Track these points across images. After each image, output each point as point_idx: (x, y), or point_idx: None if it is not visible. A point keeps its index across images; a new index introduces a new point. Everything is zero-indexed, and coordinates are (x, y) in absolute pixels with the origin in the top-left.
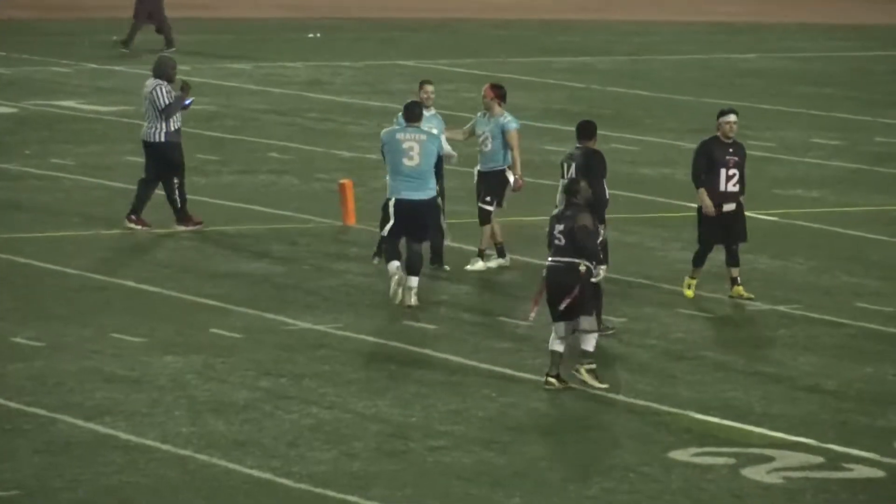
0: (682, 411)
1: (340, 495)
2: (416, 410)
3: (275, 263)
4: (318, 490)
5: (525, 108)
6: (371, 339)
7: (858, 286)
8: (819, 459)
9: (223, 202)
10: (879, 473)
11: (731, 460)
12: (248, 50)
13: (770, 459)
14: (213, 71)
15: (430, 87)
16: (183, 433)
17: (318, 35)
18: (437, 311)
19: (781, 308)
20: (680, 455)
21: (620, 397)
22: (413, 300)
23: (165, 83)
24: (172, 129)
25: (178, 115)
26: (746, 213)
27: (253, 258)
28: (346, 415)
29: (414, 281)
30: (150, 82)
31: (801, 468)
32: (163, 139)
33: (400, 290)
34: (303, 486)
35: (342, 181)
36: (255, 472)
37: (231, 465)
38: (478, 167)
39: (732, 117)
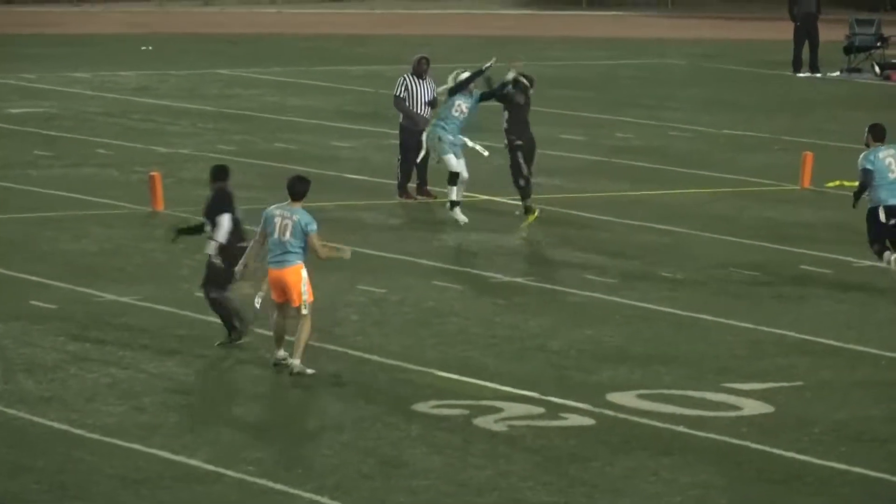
0: (425, 369)
1: (126, 444)
2: (199, 369)
3: (90, 244)
4: (107, 439)
5: (320, 109)
6: (167, 308)
7: (587, 260)
8: (540, 410)
9: (52, 191)
10: (590, 422)
11: (465, 411)
12: (88, 61)
13: (499, 410)
14: (57, 79)
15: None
16: None
17: (150, 48)
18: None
19: (520, 280)
20: (421, 407)
21: (374, 357)
22: None
23: None
24: None
25: None
26: (497, 198)
27: (72, 240)
28: (139, 374)
29: None
30: None
31: (524, 417)
32: None
33: None
34: (95, 435)
35: (152, 173)
36: (55, 424)
37: (35, 418)
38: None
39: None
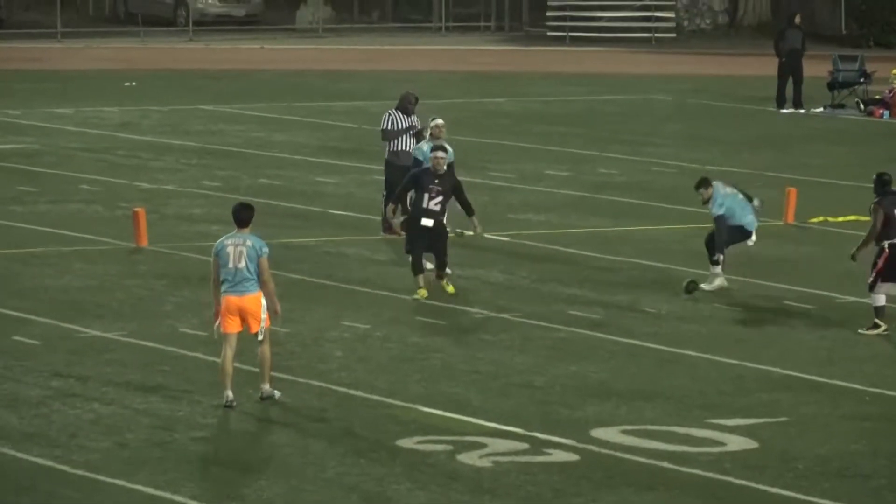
0: (410, 405)
1: (111, 479)
2: (184, 406)
3: (74, 279)
4: (91, 475)
5: (305, 145)
6: (151, 344)
7: (571, 296)
8: (525, 445)
9: (36, 227)
10: (574, 457)
11: (449, 447)
12: (71, 97)
13: (483, 446)
14: (40, 115)
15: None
16: None
17: (134, 84)
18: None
19: (504, 315)
20: (405, 443)
21: (358, 393)
22: None
23: None
24: None
25: None
26: (483, 234)
27: (56, 275)
28: (124, 410)
29: None
30: None
31: (509, 453)
32: None
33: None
34: (79, 471)
35: (136, 209)
36: (39, 460)
37: (19, 454)
38: None
39: (440, 153)
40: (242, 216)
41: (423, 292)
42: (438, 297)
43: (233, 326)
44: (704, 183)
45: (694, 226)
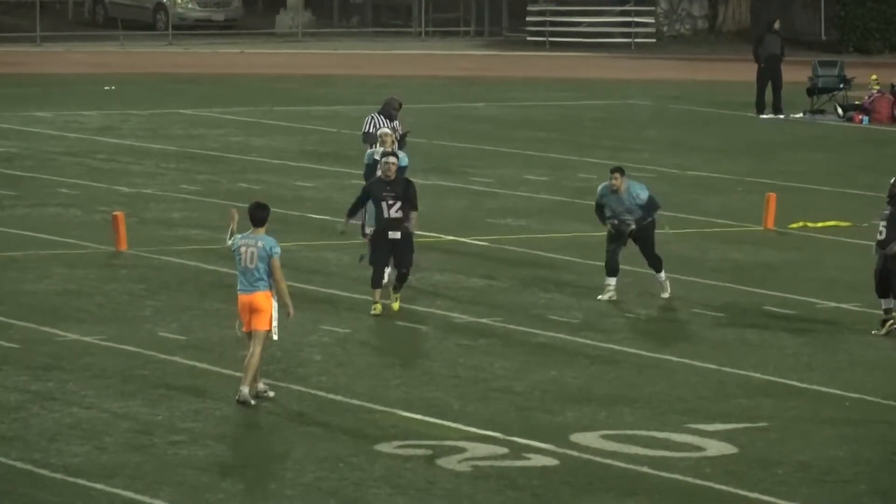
0: (390, 409)
1: (89, 483)
2: (162, 410)
3: (53, 283)
4: (71, 479)
5: (283, 149)
6: (129, 348)
7: (551, 301)
8: (504, 450)
9: (16, 231)
10: (554, 462)
11: (429, 451)
12: (51, 100)
13: (462, 451)
14: (19, 118)
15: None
16: None
17: (113, 88)
18: (189, 322)
19: (484, 320)
20: (384, 447)
21: (339, 398)
22: None
23: None
24: None
25: None
26: (463, 240)
27: (35, 279)
28: (102, 414)
29: None
30: None
31: (488, 458)
32: None
33: None
34: (58, 475)
35: (115, 213)
36: (18, 464)
37: None
38: None
39: (392, 158)
40: (257, 216)
41: (378, 307)
42: (418, 302)
43: (246, 325)
44: (621, 170)
45: (674, 231)
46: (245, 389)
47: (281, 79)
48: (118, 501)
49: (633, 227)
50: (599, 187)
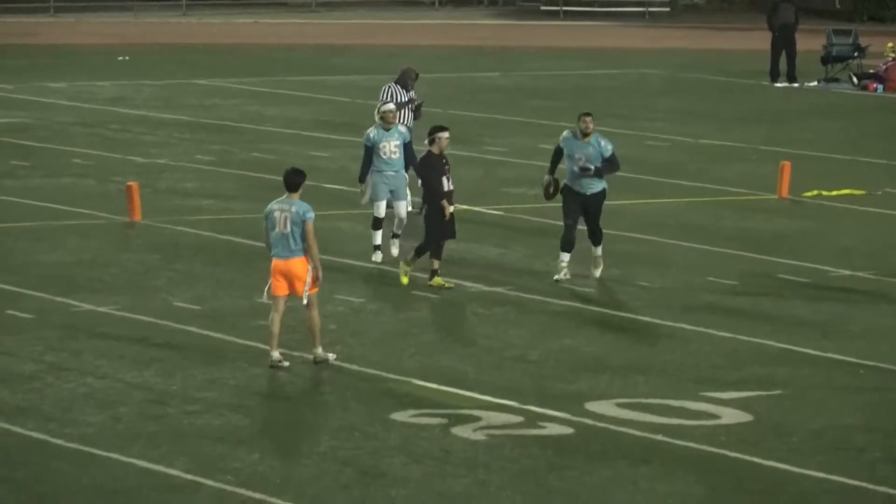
0: (404, 378)
1: (105, 453)
2: (177, 379)
3: (67, 254)
4: (85, 449)
5: (297, 119)
6: (144, 318)
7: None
8: (519, 419)
9: (29, 201)
10: (569, 430)
11: (444, 420)
12: (64, 71)
13: (477, 419)
14: (33, 89)
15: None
16: None
17: (127, 58)
18: (203, 291)
19: (499, 289)
20: (400, 416)
21: (354, 367)
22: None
23: None
24: None
25: None
26: (478, 209)
27: (49, 250)
28: (117, 384)
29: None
30: None
31: (503, 426)
32: None
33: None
34: (73, 445)
35: (129, 183)
36: (33, 434)
37: (13, 428)
38: None
39: (446, 133)
40: (292, 181)
41: (441, 280)
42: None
43: (280, 289)
44: (590, 115)
45: (688, 200)
46: (319, 350)
47: (295, 48)
48: (133, 471)
49: (592, 171)
50: (564, 132)
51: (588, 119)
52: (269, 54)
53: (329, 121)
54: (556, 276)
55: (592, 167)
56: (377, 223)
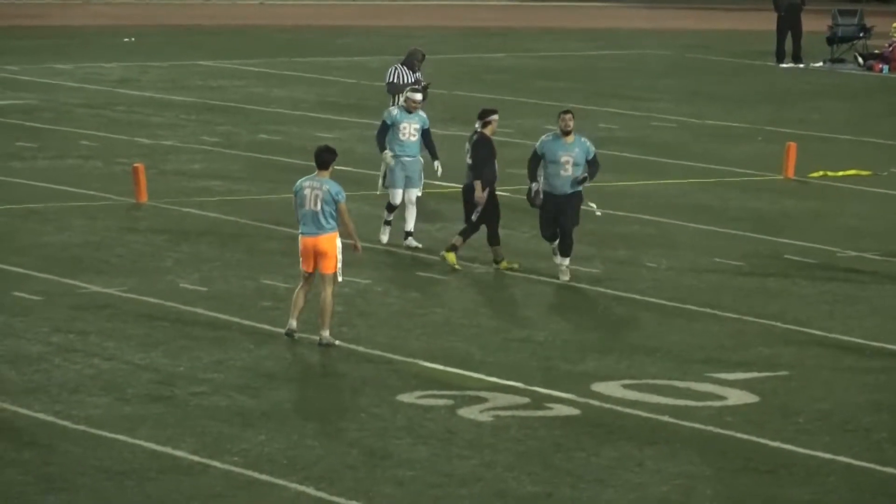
0: (410, 360)
1: (112, 435)
2: (184, 361)
3: (74, 235)
4: (92, 430)
5: (303, 100)
6: (150, 300)
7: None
8: (525, 400)
9: (36, 183)
10: (575, 412)
11: (450, 401)
12: (71, 53)
13: (483, 401)
14: (39, 70)
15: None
16: None
17: (133, 39)
18: (210, 273)
19: (505, 270)
20: (406, 398)
21: (360, 348)
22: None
23: None
24: None
25: None
26: None
27: (56, 231)
28: (123, 365)
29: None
30: None
31: (509, 408)
32: None
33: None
34: (80, 427)
35: (136, 164)
36: (40, 416)
37: (20, 410)
38: None
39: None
40: (323, 158)
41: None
42: (438, 252)
43: (308, 265)
44: (570, 112)
45: (694, 180)
46: (325, 333)
47: (300, 30)
48: (140, 452)
49: (587, 180)
50: (543, 136)
51: (568, 117)
52: (275, 35)
53: (335, 102)
54: (562, 279)
55: (587, 176)
56: (392, 208)
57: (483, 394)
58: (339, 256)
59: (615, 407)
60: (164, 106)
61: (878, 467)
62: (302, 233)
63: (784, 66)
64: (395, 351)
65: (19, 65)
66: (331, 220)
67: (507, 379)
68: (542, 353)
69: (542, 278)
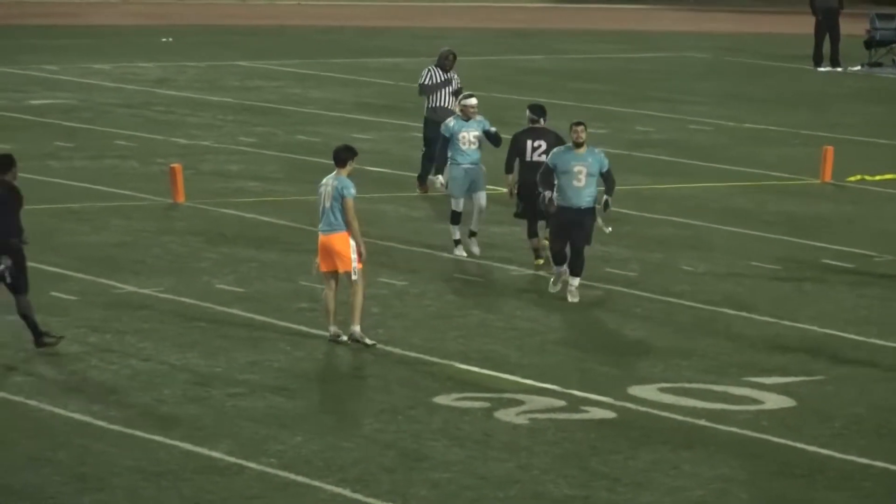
0: (447, 362)
1: (148, 435)
2: (220, 362)
3: (111, 235)
4: (128, 431)
5: (340, 101)
6: (187, 300)
7: (608, 254)
8: (562, 403)
9: (73, 183)
10: (611, 415)
11: (486, 404)
12: (108, 52)
13: (520, 403)
14: (77, 70)
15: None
16: (17, 382)
17: (171, 39)
18: (246, 274)
19: (541, 273)
20: (442, 400)
21: (395, 350)
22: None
23: None
24: None
25: None
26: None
27: (93, 231)
28: (160, 366)
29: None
30: None
31: (546, 410)
32: None
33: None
34: (115, 427)
35: (173, 165)
36: (76, 416)
37: (56, 410)
38: None
39: (581, 126)
40: (339, 156)
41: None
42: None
43: (325, 264)
44: (582, 124)
45: (730, 184)
46: (356, 328)
47: (336, 30)
48: (176, 453)
49: (610, 204)
50: (555, 148)
51: (580, 129)
52: (312, 36)
53: (372, 103)
54: (570, 300)
55: (608, 199)
56: (455, 217)
57: (519, 396)
58: (354, 256)
59: (651, 410)
60: (202, 106)
61: None
62: (319, 230)
63: (822, 69)
64: (432, 353)
65: (57, 64)
66: (340, 217)
67: (544, 382)
68: (579, 355)
69: (583, 281)
